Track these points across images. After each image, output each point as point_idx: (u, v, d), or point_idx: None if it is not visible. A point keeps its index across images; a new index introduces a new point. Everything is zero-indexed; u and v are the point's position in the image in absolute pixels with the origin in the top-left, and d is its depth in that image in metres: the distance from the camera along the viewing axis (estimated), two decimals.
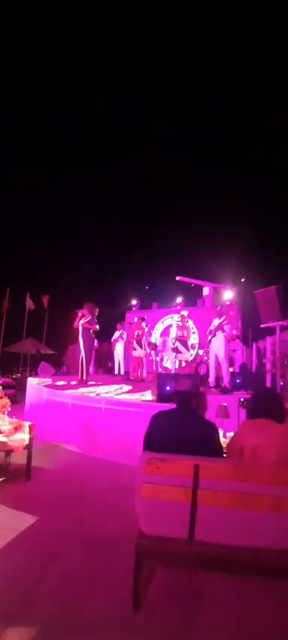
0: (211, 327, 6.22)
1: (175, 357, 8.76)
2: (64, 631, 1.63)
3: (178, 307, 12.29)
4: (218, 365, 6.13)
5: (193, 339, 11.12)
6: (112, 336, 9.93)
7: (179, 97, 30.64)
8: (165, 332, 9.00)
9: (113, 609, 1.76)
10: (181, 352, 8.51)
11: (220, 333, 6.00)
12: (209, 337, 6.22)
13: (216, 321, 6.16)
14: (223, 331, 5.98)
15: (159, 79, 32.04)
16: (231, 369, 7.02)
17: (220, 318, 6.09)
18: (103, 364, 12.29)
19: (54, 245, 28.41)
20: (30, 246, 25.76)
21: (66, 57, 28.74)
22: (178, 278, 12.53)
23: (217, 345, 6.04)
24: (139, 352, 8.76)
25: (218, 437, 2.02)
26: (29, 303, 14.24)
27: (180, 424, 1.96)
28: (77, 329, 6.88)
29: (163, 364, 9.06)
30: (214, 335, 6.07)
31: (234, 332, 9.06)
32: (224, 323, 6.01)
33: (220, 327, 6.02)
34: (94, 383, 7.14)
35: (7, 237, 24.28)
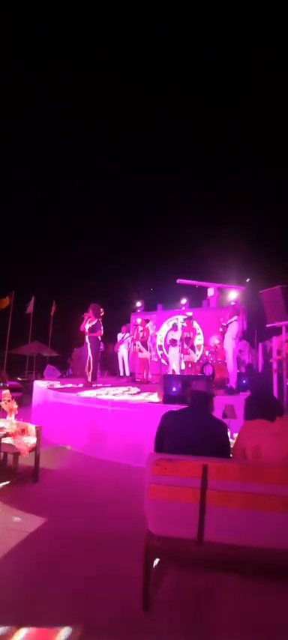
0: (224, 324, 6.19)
1: (182, 358, 8.75)
2: (74, 632, 1.64)
3: (183, 308, 12.28)
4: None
5: (198, 339, 11.09)
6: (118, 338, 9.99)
7: (180, 100, 30.69)
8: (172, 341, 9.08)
9: (123, 610, 1.76)
10: (188, 354, 8.49)
11: (228, 334, 5.98)
12: (220, 329, 6.18)
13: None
14: (231, 331, 5.95)
15: (159, 81, 32.16)
16: (237, 370, 6.98)
17: (230, 318, 6.06)
18: (108, 366, 12.32)
19: (57, 247, 28.59)
20: (34, 249, 25.94)
21: (66, 58, 29.06)
22: (178, 281, 12.53)
23: (226, 345, 6.02)
24: (144, 354, 8.78)
25: (228, 436, 2.04)
26: (29, 307, 14.21)
27: (194, 424, 1.98)
28: (84, 332, 6.91)
29: (171, 367, 9.06)
30: (226, 330, 6.02)
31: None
32: (233, 322, 5.98)
33: (228, 327, 5.99)
34: (100, 385, 7.17)
35: (9, 239, 24.45)
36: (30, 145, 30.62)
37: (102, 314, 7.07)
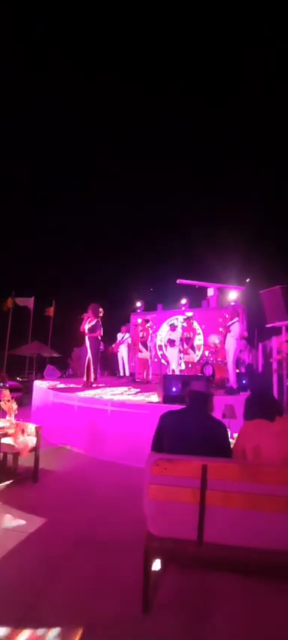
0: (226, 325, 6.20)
1: (182, 358, 8.74)
2: (73, 632, 1.63)
3: (183, 308, 12.27)
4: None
5: (198, 340, 11.08)
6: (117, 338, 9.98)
7: (180, 100, 30.72)
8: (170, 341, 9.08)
9: (122, 611, 1.76)
10: (187, 354, 8.49)
11: (230, 334, 5.97)
12: (220, 329, 6.20)
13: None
14: (234, 332, 5.94)
15: (159, 81, 32.18)
16: (237, 370, 6.98)
17: (231, 320, 6.06)
18: (108, 366, 12.32)
19: (57, 248, 28.63)
20: (34, 249, 25.96)
21: (66, 58, 29.11)
22: (178, 281, 12.54)
23: (228, 345, 6.02)
24: (144, 354, 8.77)
25: (228, 437, 2.03)
26: (29, 303, 14.15)
27: (193, 424, 1.97)
28: (84, 332, 6.91)
29: (171, 367, 9.06)
30: (229, 331, 6.03)
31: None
32: (235, 322, 5.97)
33: (230, 327, 5.99)
34: (100, 385, 7.16)
35: (9, 239, 24.46)
36: (30, 145, 30.66)
37: (101, 314, 7.07)
